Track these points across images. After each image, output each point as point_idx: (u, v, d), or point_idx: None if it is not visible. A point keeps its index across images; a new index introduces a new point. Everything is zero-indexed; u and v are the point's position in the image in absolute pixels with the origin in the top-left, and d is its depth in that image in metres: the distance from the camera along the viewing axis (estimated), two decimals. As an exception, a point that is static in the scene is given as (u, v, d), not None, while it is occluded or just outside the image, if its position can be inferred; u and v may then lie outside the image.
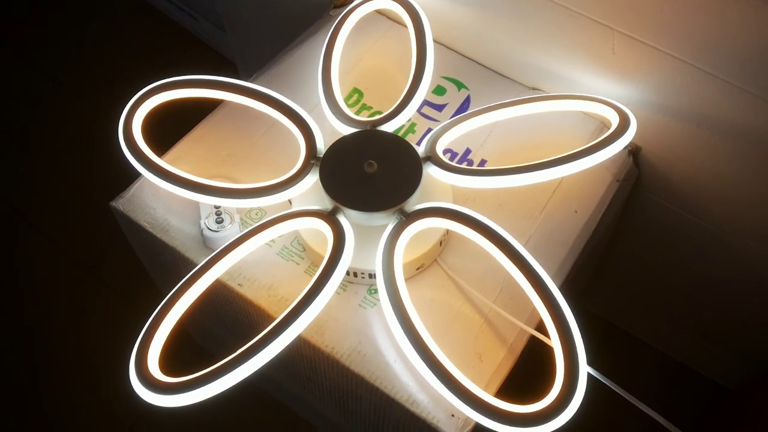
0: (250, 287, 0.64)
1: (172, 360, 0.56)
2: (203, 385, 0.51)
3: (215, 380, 0.51)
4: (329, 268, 0.56)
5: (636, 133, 0.65)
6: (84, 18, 1.55)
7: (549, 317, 0.54)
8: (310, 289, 0.55)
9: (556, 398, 0.51)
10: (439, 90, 0.79)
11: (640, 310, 1.01)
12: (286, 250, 0.66)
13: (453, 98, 0.78)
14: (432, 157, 0.64)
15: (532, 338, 0.61)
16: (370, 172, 0.61)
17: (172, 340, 0.56)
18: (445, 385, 0.53)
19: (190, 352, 0.54)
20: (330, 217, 0.60)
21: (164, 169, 0.65)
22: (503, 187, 0.64)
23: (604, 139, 0.65)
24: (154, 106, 0.68)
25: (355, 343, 0.61)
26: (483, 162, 0.72)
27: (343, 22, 0.77)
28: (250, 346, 0.53)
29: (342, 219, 0.60)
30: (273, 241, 0.67)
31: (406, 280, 0.60)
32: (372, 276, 0.63)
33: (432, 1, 0.78)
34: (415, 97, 0.68)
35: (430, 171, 0.63)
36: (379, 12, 0.86)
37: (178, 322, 0.57)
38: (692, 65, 0.63)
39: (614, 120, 0.67)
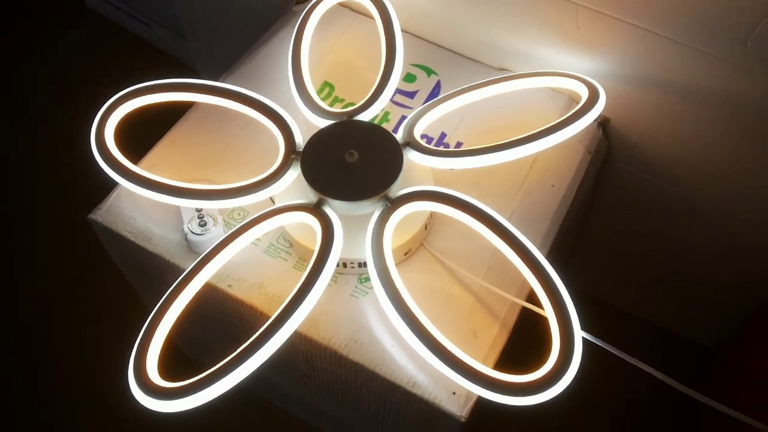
0: (241, 287, 0.64)
1: (167, 371, 0.55)
2: (206, 387, 0.50)
3: (217, 381, 0.50)
4: (320, 260, 0.57)
5: (605, 104, 0.66)
6: (38, 36, 1.52)
7: (540, 287, 0.56)
8: (303, 282, 0.56)
9: (555, 364, 0.52)
10: (409, 77, 0.79)
11: (617, 280, 1.03)
12: (272, 247, 0.66)
13: (423, 84, 0.79)
14: (411, 143, 0.65)
15: (523, 311, 0.62)
16: (352, 162, 0.61)
17: (164, 352, 0.55)
18: (444, 363, 0.53)
19: (184, 362, 0.54)
20: (316, 209, 0.60)
21: (141, 176, 0.64)
22: (482, 167, 0.65)
23: (576, 112, 0.66)
24: (125, 114, 0.67)
25: (351, 332, 0.61)
26: (459, 144, 0.73)
27: (309, 16, 0.77)
28: (249, 344, 0.53)
29: (328, 210, 0.60)
30: (258, 239, 0.67)
31: (396, 265, 0.60)
32: (362, 265, 0.63)
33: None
34: (388, 85, 0.68)
35: (411, 156, 0.64)
36: (343, 5, 0.86)
37: (173, 326, 0.56)
38: (655, 33, 0.65)
39: (583, 93, 0.69)
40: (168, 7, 1.28)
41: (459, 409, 0.57)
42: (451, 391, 0.58)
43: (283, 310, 0.54)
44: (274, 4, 0.91)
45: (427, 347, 0.54)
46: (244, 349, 0.52)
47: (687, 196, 0.80)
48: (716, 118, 0.69)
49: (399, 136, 0.66)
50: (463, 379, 0.53)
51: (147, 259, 0.67)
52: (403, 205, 0.60)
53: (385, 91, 0.68)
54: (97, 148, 0.65)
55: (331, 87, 0.79)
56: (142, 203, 0.68)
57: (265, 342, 0.53)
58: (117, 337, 0.73)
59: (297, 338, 0.62)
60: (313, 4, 0.78)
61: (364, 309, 0.63)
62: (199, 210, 0.66)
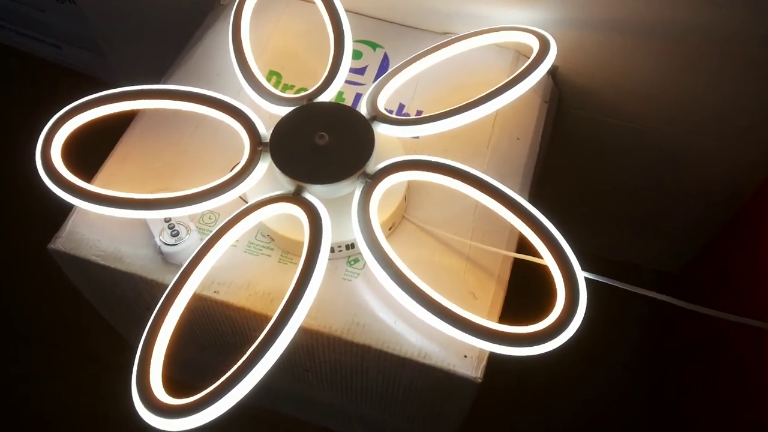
0: (228, 291, 0.61)
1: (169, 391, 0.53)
2: (219, 399, 0.48)
3: (230, 390, 0.48)
4: (313, 248, 0.55)
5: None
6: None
7: (534, 235, 0.56)
8: (300, 274, 0.54)
9: (563, 309, 0.53)
10: (356, 54, 0.78)
11: (580, 224, 1.06)
12: (252, 246, 0.64)
13: (371, 59, 0.78)
14: (377, 116, 0.64)
15: (514, 264, 0.63)
16: (323, 144, 0.60)
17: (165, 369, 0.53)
18: (452, 325, 0.53)
19: (177, 387, 0.51)
20: (296, 198, 0.59)
21: (99, 194, 0.60)
22: (446, 132, 0.65)
23: (530, 63, 0.67)
24: (71, 131, 0.63)
25: (352, 316, 0.60)
26: (419, 112, 0.73)
27: (243, 4, 0.74)
28: (257, 346, 0.51)
29: (309, 197, 0.59)
30: (237, 240, 0.64)
31: (385, 241, 0.59)
32: (349, 247, 0.62)
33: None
34: (342, 62, 0.67)
35: (380, 129, 0.63)
36: (272, -9, 0.84)
37: (171, 339, 0.53)
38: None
39: (533, 44, 0.69)
40: (78, 24, 1.21)
41: (473, 370, 0.57)
42: (462, 354, 0.58)
43: (285, 305, 0.52)
44: (196, 1, 0.87)
45: (432, 312, 0.54)
46: (252, 352, 0.50)
47: (640, 128, 0.83)
48: (664, 49, 0.72)
49: (364, 111, 0.64)
50: (474, 337, 0.53)
51: (121, 281, 0.64)
52: (384, 178, 0.59)
53: (340, 69, 0.66)
54: (45, 171, 0.60)
55: (279, 75, 0.76)
56: (104, 224, 0.65)
57: (273, 342, 0.51)
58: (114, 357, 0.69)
59: (297, 333, 0.60)
60: (245, -9, 0.75)
61: (359, 290, 0.62)
62: (168, 220, 0.63)
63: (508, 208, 0.57)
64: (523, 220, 0.57)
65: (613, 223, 1.05)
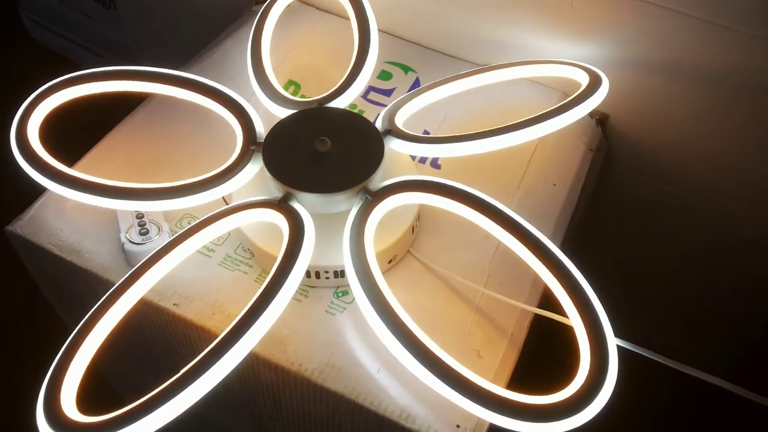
0: (190, 306, 0.52)
1: (92, 408, 0.43)
2: (136, 421, 0.38)
3: (151, 412, 0.38)
4: (287, 262, 0.46)
5: (602, 100, 0.59)
6: None
7: (562, 289, 0.46)
8: (265, 288, 0.44)
9: (587, 378, 0.41)
10: (384, 75, 0.71)
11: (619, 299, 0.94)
12: (229, 259, 0.55)
13: (400, 82, 0.71)
14: (392, 131, 0.55)
15: (536, 324, 0.52)
16: (324, 151, 0.52)
17: (86, 386, 0.43)
18: (447, 383, 0.42)
19: (109, 399, 0.42)
20: (282, 205, 0.50)
21: (69, 175, 0.52)
22: (477, 163, 0.56)
23: (576, 97, 0.58)
24: (58, 104, 0.57)
25: (327, 356, 0.49)
26: (444, 143, 0.64)
27: (270, 8, 0.68)
28: (191, 367, 0.41)
29: (297, 206, 0.50)
30: (212, 250, 0.56)
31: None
32: (338, 274, 0.52)
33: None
34: (363, 70, 0.60)
35: (392, 145, 0.55)
36: (307, 3, 0.78)
37: (98, 350, 0.44)
38: (656, 5, 0.58)
39: (583, 81, 0.61)
40: (114, 31, 1.20)
41: (465, 444, 0.45)
42: (455, 423, 0.46)
43: (237, 323, 0.43)
44: (231, 8, 0.83)
45: (422, 363, 0.43)
46: (184, 373, 0.40)
47: (695, 200, 0.73)
48: (728, 101, 0.62)
49: (378, 124, 0.56)
50: (471, 401, 0.42)
51: (76, 277, 0.55)
52: (388, 197, 0.50)
53: (359, 76, 0.59)
54: (17, 141, 0.54)
55: (297, 85, 0.70)
56: (72, 214, 0.57)
57: (211, 365, 0.41)
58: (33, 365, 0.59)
59: (261, 366, 0.50)
60: (276, -4, 0.70)
61: (343, 328, 0.52)
62: (140, 216, 0.55)
63: (535, 254, 0.47)
64: (550, 270, 0.47)
65: (651, 307, 0.92)
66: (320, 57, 0.73)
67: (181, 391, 0.39)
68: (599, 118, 0.69)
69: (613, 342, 0.43)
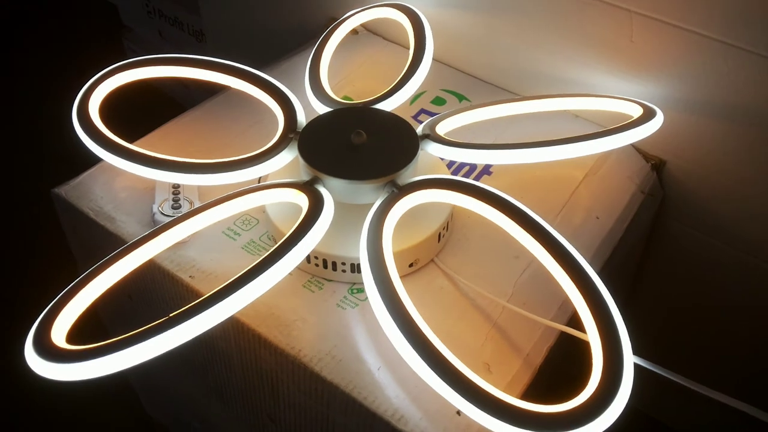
0: (204, 280, 0.52)
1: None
2: (112, 353, 0.38)
3: (127, 348, 0.38)
4: (296, 235, 0.45)
5: (659, 144, 0.57)
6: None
7: (582, 300, 0.42)
8: (268, 255, 0.44)
9: (597, 390, 0.37)
10: (438, 101, 0.72)
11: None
12: (253, 244, 0.55)
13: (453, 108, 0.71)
14: (431, 135, 0.55)
15: (558, 351, 0.48)
16: (358, 143, 0.52)
17: (83, 328, 0.43)
18: (444, 379, 0.39)
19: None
20: (307, 187, 0.50)
21: (114, 142, 0.55)
22: (518, 183, 0.54)
23: (624, 124, 0.57)
24: (117, 86, 0.60)
25: (330, 347, 0.47)
26: (487, 167, 0.63)
27: (336, 29, 0.71)
28: (173, 316, 0.40)
29: (322, 189, 0.50)
30: (238, 234, 0.56)
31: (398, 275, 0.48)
32: (355, 269, 0.51)
33: (432, 11, 0.73)
34: (415, 75, 0.60)
35: (429, 149, 0.54)
36: (374, 32, 0.81)
37: (98, 298, 0.44)
38: (723, 42, 0.56)
39: (635, 114, 0.59)
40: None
41: (458, 456, 0.41)
42: (450, 432, 0.43)
43: (229, 283, 0.42)
44: (309, 27, 0.87)
45: (421, 355, 0.40)
46: (167, 319, 0.40)
47: (755, 264, 0.67)
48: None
49: (419, 130, 0.56)
50: (468, 402, 0.39)
51: (106, 243, 0.57)
52: (414, 192, 0.49)
53: (410, 81, 0.60)
54: (78, 114, 0.57)
55: (350, 99, 0.71)
56: (114, 186, 0.60)
57: (194, 315, 0.40)
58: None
59: (262, 348, 0.49)
60: (348, 15, 0.73)
61: (351, 322, 0.50)
62: (176, 190, 0.57)
63: (554, 257, 0.45)
64: (571, 278, 0.44)
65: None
66: (377, 82, 0.74)
67: (162, 332, 0.38)
68: (655, 162, 0.66)
69: (630, 357, 0.39)
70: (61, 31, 1.66)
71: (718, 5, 0.55)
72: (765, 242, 0.66)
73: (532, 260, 0.49)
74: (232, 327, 0.50)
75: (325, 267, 0.51)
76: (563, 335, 0.49)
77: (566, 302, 0.48)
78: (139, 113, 0.64)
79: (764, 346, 0.73)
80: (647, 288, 0.77)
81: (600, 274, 0.55)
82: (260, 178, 0.55)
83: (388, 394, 0.45)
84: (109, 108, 0.60)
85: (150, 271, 0.54)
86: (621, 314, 0.42)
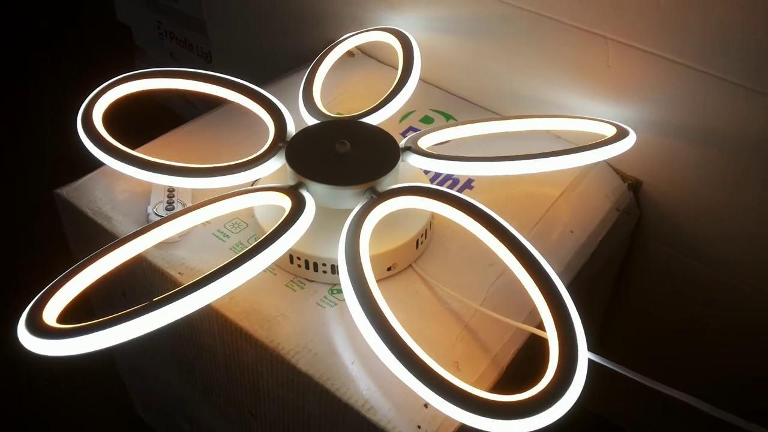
0: (192, 277, 0.53)
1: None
2: (97, 331, 0.41)
3: (112, 327, 0.41)
4: (276, 233, 0.48)
5: (636, 165, 0.60)
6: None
7: (543, 302, 0.45)
8: (247, 251, 0.47)
9: (552, 381, 0.40)
10: (426, 119, 0.75)
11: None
12: (240, 246, 0.58)
13: (440, 127, 0.74)
14: (412, 147, 0.58)
15: (525, 355, 0.51)
16: (342, 152, 0.55)
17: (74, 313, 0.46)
18: (410, 370, 0.42)
19: None
20: (291, 190, 0.53)
21: (114, 146, 0.59)
22: (494, 198, 0.57)
23: (597, 143, 0.60)
24: (121, 96, 0.64)
25: (306, 341, 0.50)
26: (469, 181, 0.66)
27: (332, 50, 0.75)
28: (158, 299, 0.43)
29: (305, 193, 0.53)
30: (227, 236, 0.59)
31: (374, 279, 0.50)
32: (335, 270, 0.54)
33: (422, 35, 0.77)
34: (401, 93, 0.64)
35: (410, 160, 0.57)
36: (369, 55, 0.85)
37: (90, 285, 0.47)
38: (696, 69, 0.59)
39: (609, 134, 0.62)
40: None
41: (422, 446, 0.44)
42: (416, 424, 0.45)
43: (209, 274, 0.45)
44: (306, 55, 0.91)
45: (390, 349, 0.43)
46: (150, 303, 0.43)
47: (730, 284, 0.69)
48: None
49: (401, 143, 0.60)
50: (432, 392, 0.41)
51: (102, 238, 0.60)
52: (392, 198, 0.52)
53: (396, 97, 0.63)
54: (83, 120, 0.61)
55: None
56: (113, 189, 0.63)
57: (175, 300, 0.43)
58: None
59: (243, 341, 0.51)
60: (344, 38, 0.77)
61: (329, 320, 0.52)
62: (170, 194, 0.60)
63: (533, 277, 0.47)
64: (534, 280, 0.46)
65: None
66: (369, 101, 0.78)
67: (143, 315, 0.41)
68: (632, 182, 0.69)
69: (584, 352, 0.41)
70: (77, 48, 1.73)
71: (691, 34, 0.58)
72: (739, 263, 0.68)
73: (505, 269, 0.52)
74: (217, 322, 0.53)
75: (307, 268, 0.54)
76: (531, 339, 0.52)
77: (535, 310, 0.50)
78: (140, 125, 0.68)
79: (736, 360, 0.74)
80: (625, 303, 0.79)
81: (571, 284, 0.58)
82: (253, 183, 0.58)
83: (359, 387, 0.47)
84: (112, 118, 0.64)
85: (142, 268, 0.57)
86: (600, 327, 0.44)
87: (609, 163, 0.70)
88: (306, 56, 0.84)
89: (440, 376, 0.42)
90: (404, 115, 0.74)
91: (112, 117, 0.64)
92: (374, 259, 0.51)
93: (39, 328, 0.41)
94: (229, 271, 0.44)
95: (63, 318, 0.44)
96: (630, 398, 0.86)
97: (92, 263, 0.47)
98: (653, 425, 0.87)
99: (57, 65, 1.68)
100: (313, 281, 0.55)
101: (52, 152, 1.33)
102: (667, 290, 0.75)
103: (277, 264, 0.56)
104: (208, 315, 0.53)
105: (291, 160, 0.55)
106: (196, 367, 0.63)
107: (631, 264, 0.75)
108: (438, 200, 0.52)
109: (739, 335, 0.73)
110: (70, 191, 0.62)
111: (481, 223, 0.50)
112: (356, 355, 0.49)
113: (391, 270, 0.56)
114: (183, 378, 0.67)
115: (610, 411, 0.90)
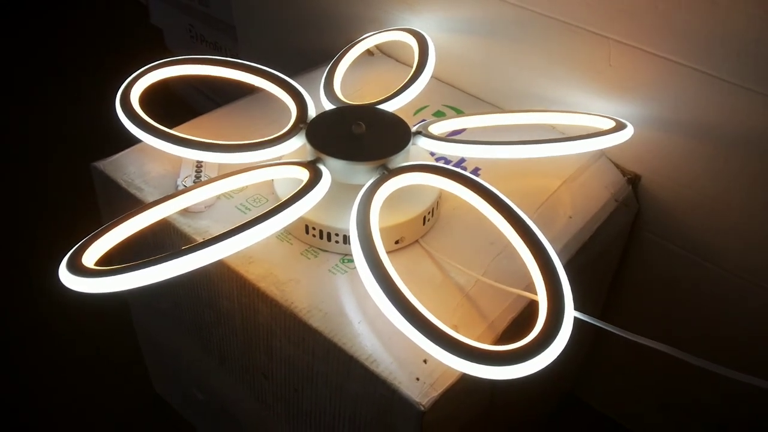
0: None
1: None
2: (127, 273, 0.46)
3: (138, 270, 0.46)
4: (291, 199, 0.52)
5: (635, 160, 0.63)
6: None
7: (536, 266, 0.49)
8: (266, 212, 0.51)
9: (542, 331, 0.44)
10: (438, 113, 0.79)
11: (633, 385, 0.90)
12: (260, 218, 0.62)
13: (451, 121, 0.79)
14: (422, 132, 0.63)
15: (521, 325, 0.54)
16: (358, 133, 0.60)
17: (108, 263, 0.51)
18: (411, 322, 0.46)
19: None
20: (309, 164, 0.58)
21: (148, 122, 0.64)
22: (501, 181, 0.62)
23: (597, 132, 0.64)
24: (155, 81, 0.70)
25: (318, 302, 0.54)
26: (476, 169, 0.70)
27: (353, 47, 0.80)
28: (176, 251, 0.48)
29: (322, 167, 0.57)
30: (248, 209, 0.63)
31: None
32: (347, 241, 0.58)
33: (438, 35, 0.82)
34: (416, 82, 0.69)
35: (420, 143, 0.62)
36: (388, 54, 0.90)
37: (123, 240, 0.52)
38: (692, 68, 0.63)
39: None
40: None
41: (420, 395, 0.47)
42: (415, 376, 0.49)
43: (222, 233, 0.50)
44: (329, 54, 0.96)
45: (395, 305, 0.47)
46: (169, 253, 0.47)
47: (726, 278, 0.72)
48: (763, 172, 0.64)
49: (413, 128, 0.64)
50: (429, 341, 0.45)
51: (133, 207, 0.65)
52: (402, 174, 0.57)
53: (410, 88, 0.68)
54: (121, 101, 0.66)
55: (361, 109, 0.79)
56: (147, 164, 0.68)
57: (192, 252, 0.48)
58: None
59: (259, 300, 0.56)
60: (365, 37, 0.82)
61: (339, 285, 0.56)
62: (199, 167, 0.65)
63: (529, 246, 0.51)
64: (527, 245, 0.50)
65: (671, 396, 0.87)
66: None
67: (171, 260, 0.46)
68: (631, 177, 0.72)
69: (570, 310, 0.45)
70: (112, 48, 1.82)
71: (688, 35, 0.62)
72: (733, 255, 0.71)
73: (506, 246, 0.56)
74: (237, 284, 0.58)
75: (321, 237, 0.59)
76: (526, 312, 0.55)
77: (532, 284, 0.54)
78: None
79: (732, 353, 0.77)
80: (625, 295, 0.83)
81: (568, 265, 0.61)
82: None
83: (364, 343, 0.51)
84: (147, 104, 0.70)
85: (170, 234, 0.62)
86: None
87: (609, 158, 0.73)
88: (328, 57, 0.90)
89: (440, 329, 0.46)
90: (418, 108, 0.79)
91: (145, 101, 0.69)
92: (383, 231, 0.55)
93: (78, 268, 0.46)
94: (250, 228, 0.49)
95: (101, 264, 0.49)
96: (631, 395, 0.89)
97: (126, 221, 0.52)
98: (653, 424, 0.90)
99: (99, 63, 1.76)
100: (326, 251, 0.59)
101: (90, 132, 1.42)
102: (664, 283, 0.78)
103: (293, 234, 0.60)
104: (228, 277, 0.58)
105: (310, 138, 0.59)
106: (213, 334, 0.67)
107: (630, 256, 0.79)
108: (445, 176, 0.56)
109: (734, 326, 0.75)
110: (106, 164, 0.68)
111: (481, 196, 0.54)
112: (363, 316, 0.53)
113: (398, 243, 0.60)
114: (201, 346, 0.72)
115: (616, 411, 0.93)
